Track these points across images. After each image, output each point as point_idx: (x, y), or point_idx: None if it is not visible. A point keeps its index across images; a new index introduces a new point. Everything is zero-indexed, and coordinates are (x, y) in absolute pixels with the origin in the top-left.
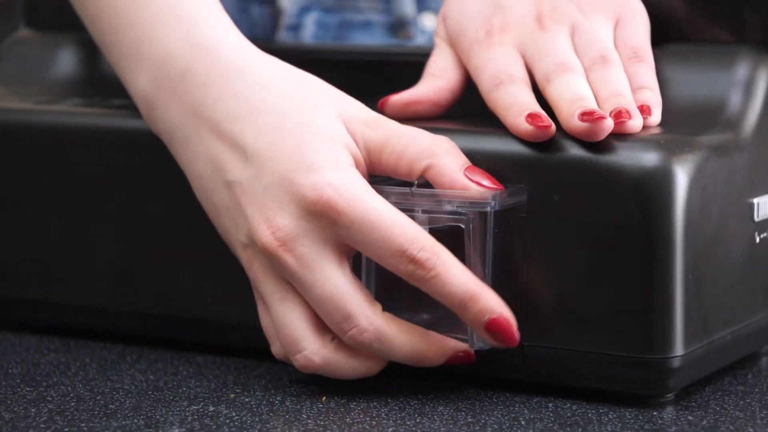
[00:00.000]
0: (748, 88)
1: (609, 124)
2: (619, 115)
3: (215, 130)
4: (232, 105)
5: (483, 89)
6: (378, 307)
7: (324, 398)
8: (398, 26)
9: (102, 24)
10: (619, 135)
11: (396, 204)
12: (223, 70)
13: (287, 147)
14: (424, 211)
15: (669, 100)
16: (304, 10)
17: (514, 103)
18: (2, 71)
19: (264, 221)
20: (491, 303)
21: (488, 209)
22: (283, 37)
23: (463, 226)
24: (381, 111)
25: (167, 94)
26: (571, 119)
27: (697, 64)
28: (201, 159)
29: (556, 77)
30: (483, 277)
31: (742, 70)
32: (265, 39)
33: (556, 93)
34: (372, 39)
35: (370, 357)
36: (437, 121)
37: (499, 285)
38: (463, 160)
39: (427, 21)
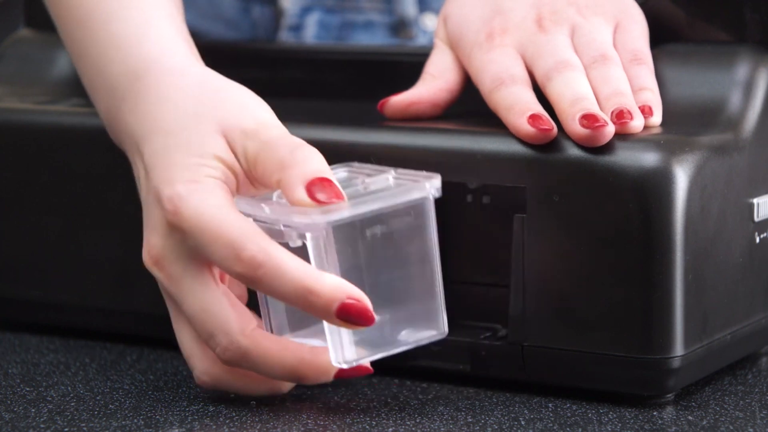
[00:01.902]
0: (748, 88)
1: (610, 131)
2: (621, 116)
3: (138, 152)
4: (144, 126)
5: (484, 90)
6: (249, 324)
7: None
8: (400, 26)
9: (68, 47)
10: (620, 135)
11: (256, 219)
12: (145, 93)
13: (164, 164)
14: (284, 226)
15: (669, 100)
16: (305, 11)
17: (516, 103)
18: (2, 71)
19: (146, 240)
20: (334, 290)
21: (316, 230)
22: (285, 37)
23: (306, 242)
24: (380, 112)
25: (116, 122)
26: (572, 122)
27: (697, 64)
28: (137, 180)
29: (556, 74)
30: None
31: (742, 70)
32: (267, 39)
33: (556, 91)
34: (373, 39)
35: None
36: (438, 121)
37: None
38: (311, 171)
39: (429, 21)
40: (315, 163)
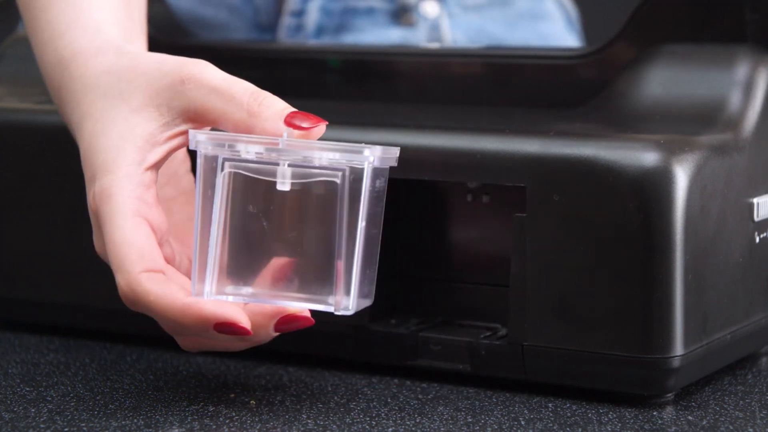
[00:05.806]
0: (748, 88)
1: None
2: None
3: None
4: (75, 113)
5: None
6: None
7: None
8: (401, 13)
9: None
10: (619, 134)
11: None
12: (72, 81)
13: (92, 151)
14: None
15: (669, 100)
16: None
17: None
18: (2, 71)
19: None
20: (202, 322)
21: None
22: (287, 22)
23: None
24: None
25: (61, 112)
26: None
27: (697, 64)
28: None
29: None
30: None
31: (742, 70)
32: (269, 25)
33: None
34: (375, 25)
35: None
36: (438, 121)
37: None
38: (282, 108)
39: (429, 8)
40: (279, 102)
